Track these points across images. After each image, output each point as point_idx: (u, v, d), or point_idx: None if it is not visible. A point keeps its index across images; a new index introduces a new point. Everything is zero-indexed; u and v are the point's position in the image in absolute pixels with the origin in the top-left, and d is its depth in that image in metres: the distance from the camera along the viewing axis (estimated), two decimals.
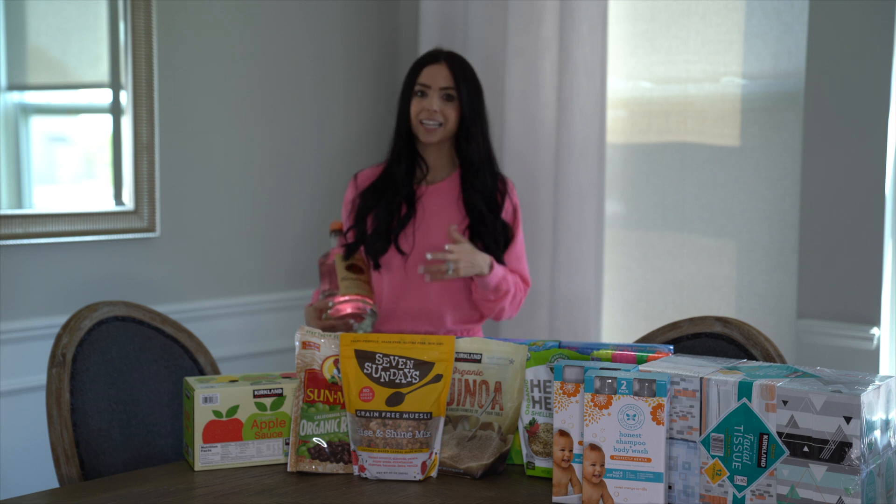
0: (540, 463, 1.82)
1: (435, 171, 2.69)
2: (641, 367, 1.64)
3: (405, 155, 2.65)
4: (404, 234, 2.62)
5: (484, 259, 2.53)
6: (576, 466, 1.65)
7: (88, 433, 2.05)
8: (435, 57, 2.64)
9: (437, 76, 2.61)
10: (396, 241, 2.61)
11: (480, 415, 1.86)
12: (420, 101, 2.61)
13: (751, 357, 2.02)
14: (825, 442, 1.47)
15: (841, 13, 2.77)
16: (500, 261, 2.62)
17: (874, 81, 2.71)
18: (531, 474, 1.83)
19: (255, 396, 1.88)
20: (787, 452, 1.51)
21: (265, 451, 1.89)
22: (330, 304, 2.51)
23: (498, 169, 2.70)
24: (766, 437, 1.52)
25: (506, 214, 2.66)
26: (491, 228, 2.61)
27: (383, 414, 1.83)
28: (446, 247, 2.51)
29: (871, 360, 2.74)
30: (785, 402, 1.50)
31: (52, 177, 2.91)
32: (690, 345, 2.10)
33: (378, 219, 2.62)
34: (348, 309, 2.50)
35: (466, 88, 2.61)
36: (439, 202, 2.65)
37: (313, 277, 3.37)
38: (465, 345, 1.89)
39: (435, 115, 2.58)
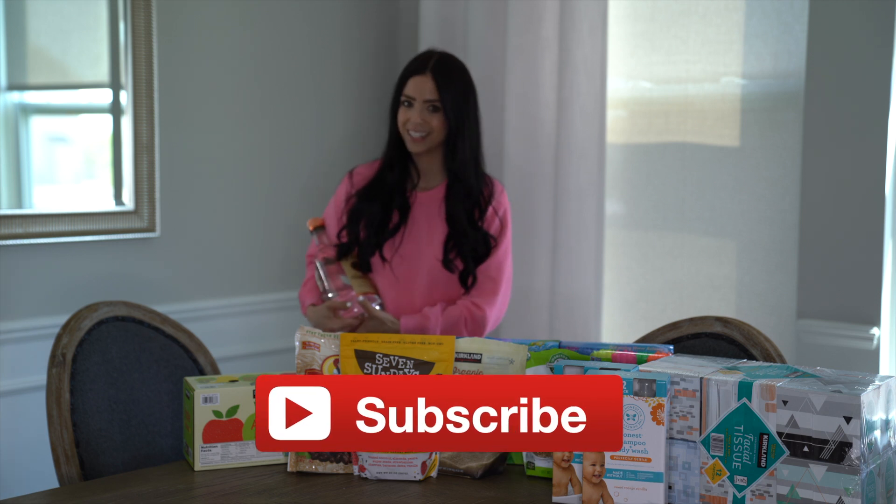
0: (540, 463, 1.82)
1: (427, 177, 2.67)
2: (641, 367, 1.64)
3: (398, 161, 2.66)
4: (391, 241, 2.63)
5: (393, 324, 2.56)
6: (576, 466, 1.65)
7: (88, 433, 2.05)
8: (422, 66, 2.59)
9: (421, 88, 2.57)
10: (381, 248, 2.62)
11: None
12: (406, 111, 2.59)
13: (751, 357, 2.02)
14: (825, 442, 1.47)
15: (841, 13, 2.77)
16: (473, 273, 2.61)
17: (874, 81, 2.71)
18: (531, 474, 1.83)
19: (255, 396, 1.88)
20: (787, 452, 1.51)
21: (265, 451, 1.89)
22: (348, 303, 2.53)
23: (484, 171, 2.67)
24: (766, 437, 1.52)
25: (489, 223, 2.63)
26: (471, 240, 2.60)
27: None
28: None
29: (871, 360, 2.74)
30: (785, 402, 1.50)
31: (52, 177, 2.91)
32: (690, 345, 2.10)
33: (370, 225, 2.63)
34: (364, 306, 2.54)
35: (452, 99, 2.57)
36: (427, 211, 2.65)
37: None
38: (465, 345, 1.89)
39: (419, 126, 2.56)
